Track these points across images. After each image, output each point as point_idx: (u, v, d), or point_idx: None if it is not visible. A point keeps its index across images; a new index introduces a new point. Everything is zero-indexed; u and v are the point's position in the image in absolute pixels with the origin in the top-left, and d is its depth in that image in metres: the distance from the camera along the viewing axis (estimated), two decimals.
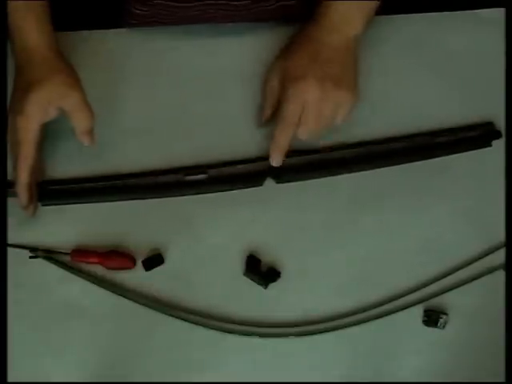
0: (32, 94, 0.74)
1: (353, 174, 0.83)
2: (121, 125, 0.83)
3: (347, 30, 0.79)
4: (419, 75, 0.87)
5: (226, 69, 0.86)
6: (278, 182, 0.83)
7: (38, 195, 0.80)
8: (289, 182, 0.83)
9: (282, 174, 0.83)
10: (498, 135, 0.85)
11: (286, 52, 0.81)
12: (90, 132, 0.78)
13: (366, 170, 0.83)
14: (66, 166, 0.82)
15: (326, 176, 0.83)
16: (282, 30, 0.87)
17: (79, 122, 0.77)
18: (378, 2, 0.80)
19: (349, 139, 0.85)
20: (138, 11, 0.82)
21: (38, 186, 0.80)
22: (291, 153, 0.81)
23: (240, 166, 0.82)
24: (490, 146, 0.85)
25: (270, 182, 0.83)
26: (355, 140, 0.85)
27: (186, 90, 0.85)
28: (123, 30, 0.86)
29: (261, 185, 0.83)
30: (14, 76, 0.77)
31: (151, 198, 0.82)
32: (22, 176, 0.76)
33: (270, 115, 0.82)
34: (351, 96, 0.79)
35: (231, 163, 0.83)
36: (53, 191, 0.81)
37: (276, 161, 0.80)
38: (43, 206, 0.81)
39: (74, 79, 0.77)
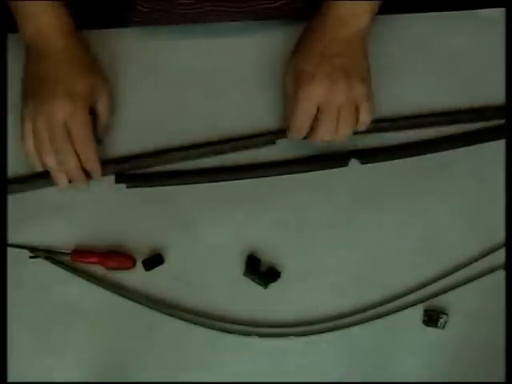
0: (57, 102, 0.75)
1: (352, 174, 0.83)
2: (120, 123, 0.83)
3: (354, 23, 0.78)
4: (419, 75, 0.87)
5: (226, 69, 0.86)
6: (362, 163, 0.83)
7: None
8: (373, 162, 0.83)
9: (367, 155, 0.84)
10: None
11: (295, 51, 0.81)
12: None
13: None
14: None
15: (410, 156, 0.84)
16: (282, 29, 0.87)
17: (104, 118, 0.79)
18: None
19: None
20: (141, 8, 0.82)
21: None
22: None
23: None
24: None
25: (354, 163, 0.84)
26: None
27: (185, 90, 0.85)
28: (124, 30, 0.86)
29: (346, 165, 0.83)
30: (28, 60, 0.78)
31: (234, 179, 0.83)
32: (94, 161, 0.78)
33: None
34: (362, 87, 0.78)
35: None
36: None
37: None
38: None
39: (99, 79, 0.78)
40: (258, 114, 0.85)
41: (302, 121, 0.78)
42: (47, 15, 0.76)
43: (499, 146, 0.84)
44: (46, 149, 0.76)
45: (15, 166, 0.81)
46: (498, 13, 0.87)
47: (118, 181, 0.82)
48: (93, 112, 0.78)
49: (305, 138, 0.80)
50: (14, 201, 0.80)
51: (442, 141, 0.85)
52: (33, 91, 0.77)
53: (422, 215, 0.83)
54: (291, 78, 0.79)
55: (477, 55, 0.87)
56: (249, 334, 0.80)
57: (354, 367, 0.81)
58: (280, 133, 0.83)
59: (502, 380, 0.73)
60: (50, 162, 0.77)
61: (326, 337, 0.80)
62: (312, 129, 0.79)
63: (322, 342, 0.80)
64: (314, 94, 0.76)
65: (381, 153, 0.84)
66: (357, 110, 0.78)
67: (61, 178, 0.78)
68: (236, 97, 0.85)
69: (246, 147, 0.83)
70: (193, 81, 0.85)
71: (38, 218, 0.81)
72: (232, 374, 0.79)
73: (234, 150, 0.83)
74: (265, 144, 0.83)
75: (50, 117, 0.75)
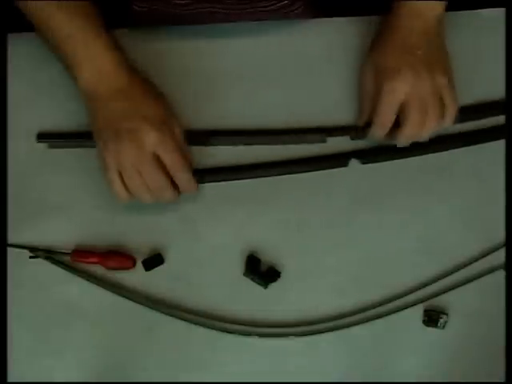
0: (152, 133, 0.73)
1: (352, 174, 0.83)
2: None
3: (427, 12, 0.78)
4: None
5: (225, 69, 0.86)
6: (363, 163, 0.83)
7: None
8: (373, 162, 0.83)
9: (367, 155, 0.83)
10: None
11: (373, 48, 0.80)
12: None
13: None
14: None
15: (410, 156, 0.83)
16: (282, 29, 0.87)
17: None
18: None
19: (346, 140, 0.85)
20: (138, 8, 0.82)
21: None
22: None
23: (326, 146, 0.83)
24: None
25: (354, 163, 0.84)
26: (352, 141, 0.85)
27: (185, 90, 0.85)
28: (123, 31, 0.86)
29: (346, 165, 0.83)
30: (89, 103, 0.75)
31: (234, 179, 0.82)
32: (193, 184, 0.77)
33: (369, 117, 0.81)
34: (445, 78, 0.77)
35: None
36: None
37: None
38: None
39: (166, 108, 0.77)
40: (260, 115, 0.85)
41: (387, 116, 0.78)
42: (105, 56, 0.74)
43: (499, 146, 0.84)
44: (139, 186, 0.74)
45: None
46: (498, 13, 0.87)
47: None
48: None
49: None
50: (14, 201, 0.80)
51: (442, 141, 0.85)
52: (110, 133, 0.74)
53: (422, 215, 0.83)
54: (371, 75, 0.79)
55: (477, 55, 0.87)
56: (249, 334, 0.80)
57: (354, 367, 0.80)
58: (332, 131, 0.83)
59: (502, 380, 0.73)
60: (146, 198, 0.76)
61: (326, 337, 0.80)
62: (396, 125, 0.79)
63: (322, 342, 0.80)
64: (399, 88, 0.76)
65: (381, 153, 0.84)
66: (441, 102, 0.78)
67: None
68: (235, 98, 0.85)
69: (298, 142, 0.83)
70: (191, 82, 0.85)
71: (38, 218, 0.81)
72: (232, 374, 0.79)
73: (286, 142, 0.83)
74: (315, 141, 0.83)
75: (139, 150, 0.73)
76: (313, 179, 0.83)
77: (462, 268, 0.82)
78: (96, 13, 0.75)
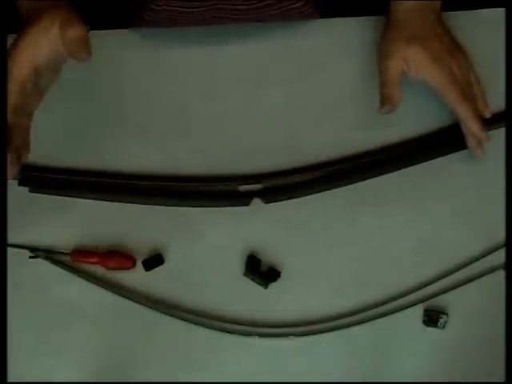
0: (31, 25, 0.72)
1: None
2: (120, 124, 0.84)
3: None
4: None
5: (226, 70, 0.86)
6: (266, 202, 0.82)
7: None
8: (276, 201, 0.82)
9: (270, 195, 0.82)
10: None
11: (403, 37, 0.81)
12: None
13: (358, 181, 0.83)
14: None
15: (318, 192, 0.83)
16: (282, 31, 0.87)
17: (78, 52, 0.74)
18: None
19: (348, 142, 0.85)
20: (148, 17, 0.82)
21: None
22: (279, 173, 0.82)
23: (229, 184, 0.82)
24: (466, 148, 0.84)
25: (257, 202, 0.82)
26: (354, 144, 0.85)
27: (185, 91, 0.85)
28: (124, 31, 0.86)
29: (247, 204, 0.82)
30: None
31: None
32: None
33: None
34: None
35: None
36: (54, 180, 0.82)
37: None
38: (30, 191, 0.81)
39: (77, 16, 0.74)
40: (258, 116, 0.85)
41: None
42: None
43: (499, 145, 0.84)
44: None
45: None
46: (498, 13, 0.87)
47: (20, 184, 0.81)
48: None
49: None
50: (14, 201, 0.80)
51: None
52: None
53: (423, 215, 0.83)
54: (402, 59, 0.81)
55: (477, 55, 0.87)
56: (249, 334, 0.80)
57: (354, 367, 0.80)
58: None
59: (502, 380, 0.73)
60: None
61: (326, 337, 0.80)
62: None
63: (322, 342, 0.80)
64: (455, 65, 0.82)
65: (283, 192, 0.83)
66: None
67: None
68: (235, 98, 0.85)
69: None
70: (194, 82, 0.85)
71: (38, 218, 0.81)
72: (232, 374, 0.79)
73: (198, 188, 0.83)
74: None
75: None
76: None
77: (462, 268, 0.82)
78: None
